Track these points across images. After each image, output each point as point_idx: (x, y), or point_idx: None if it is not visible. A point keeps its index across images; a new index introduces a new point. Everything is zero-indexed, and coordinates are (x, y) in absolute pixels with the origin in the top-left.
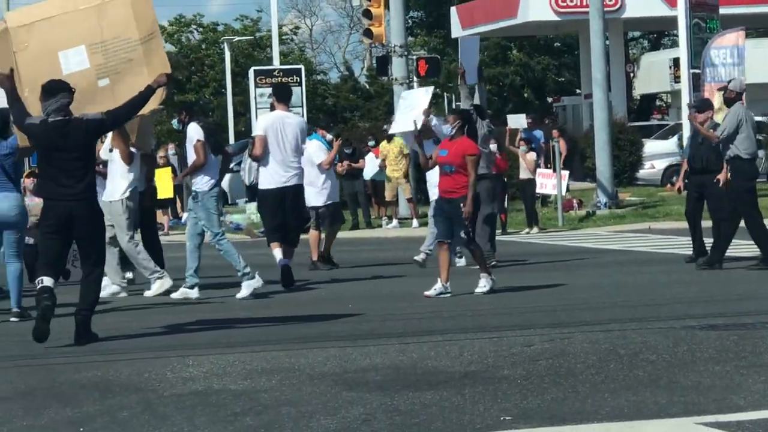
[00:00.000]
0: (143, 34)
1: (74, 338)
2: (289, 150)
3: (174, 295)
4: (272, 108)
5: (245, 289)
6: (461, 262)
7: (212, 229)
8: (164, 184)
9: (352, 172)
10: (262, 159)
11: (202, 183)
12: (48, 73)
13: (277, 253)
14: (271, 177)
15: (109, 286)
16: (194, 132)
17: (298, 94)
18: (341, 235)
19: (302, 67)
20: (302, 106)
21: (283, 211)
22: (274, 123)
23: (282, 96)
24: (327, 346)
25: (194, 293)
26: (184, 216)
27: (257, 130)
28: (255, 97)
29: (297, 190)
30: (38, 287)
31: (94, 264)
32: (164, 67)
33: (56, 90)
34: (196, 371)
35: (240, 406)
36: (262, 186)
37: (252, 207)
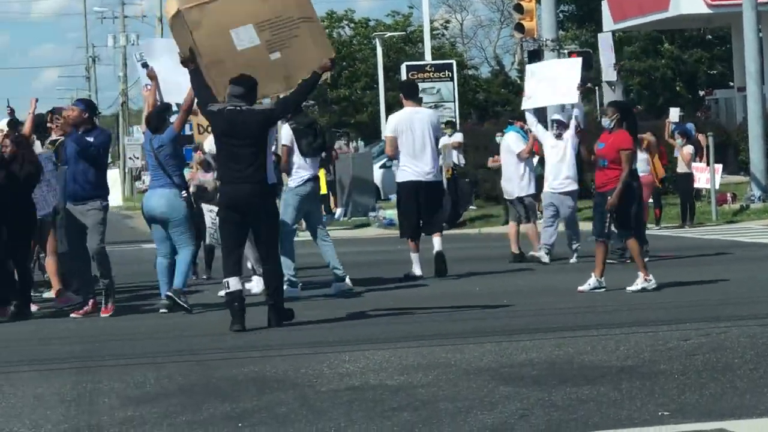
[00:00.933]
0: (302, 15)
1: (267, 322)
2: (419, 145)
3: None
4: (401, 105)
5: (335, 288)
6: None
7: (284, 225)
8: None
9: None
10: (394, 158)
11: (291, 178)
12: (223, 50)
13: (414, 251)
14: (405, 171)
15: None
16: (284, 135)
17: (450, 89)
18: (498, 229)
19: (454, 61)
20: (454, 101)
21: (418, 205)
22: (401, 121)
23: (409, 92)
24: (483, 341)
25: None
26: (338, 211)
27: (387, 130)
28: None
29: (433, 187)
30: (226, 292)
31: (269, 248)
32: (327, 52)
33: (239, 83)
34: (353, 367)
35: (397, 401)
36: (398, 179)
37: None
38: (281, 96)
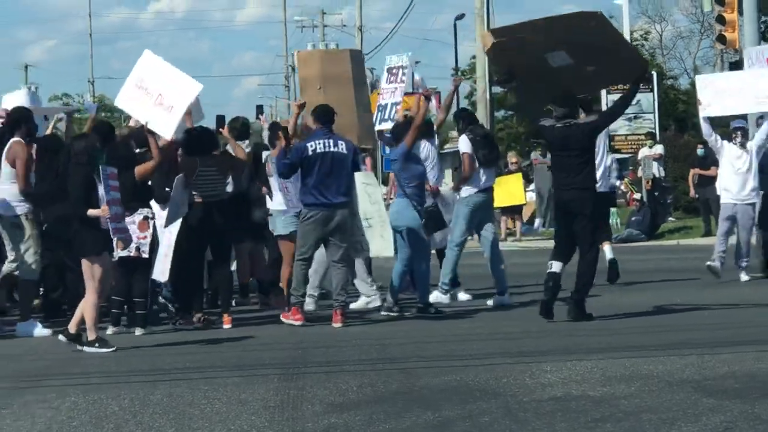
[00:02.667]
0: (607, 40)
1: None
2: None
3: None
4: None
5: (432, 296)
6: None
7: (453, 233)
8: (514, 189)
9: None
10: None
11: (465, 188)
12: (538, 67)
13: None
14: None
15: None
16: (463, 144)
17: (650, 100)
18: (697, 241)
19: (654, 73)
20: (653, 112)
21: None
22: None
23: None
24: (685, 353)
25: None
26: (537, 222)
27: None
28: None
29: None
30: (548, 272)
31: (589, 245)
32: (641, 64)
33: (563, 104)
34: (554, 377)
35: (600, 412)
36: None
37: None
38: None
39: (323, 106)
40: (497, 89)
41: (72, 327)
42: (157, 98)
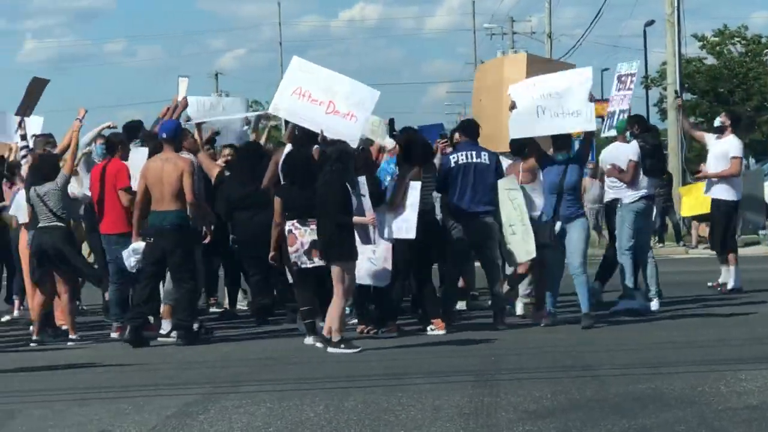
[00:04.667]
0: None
1: None
2: None
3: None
4: None
5: (622, 304)
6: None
7: (621, 240)
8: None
9: None
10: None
11: (628, 195)
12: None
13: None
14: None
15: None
16: (632, 151)
17: None
18: None
19: None
20: None
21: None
22: None
23: None
24: None
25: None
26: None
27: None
28: None
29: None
30: None
31: None
32: None
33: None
34: (750, 385)
35: None
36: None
37: None
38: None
39: (468, 120)
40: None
41: (326, 331)
42: (328, 106)
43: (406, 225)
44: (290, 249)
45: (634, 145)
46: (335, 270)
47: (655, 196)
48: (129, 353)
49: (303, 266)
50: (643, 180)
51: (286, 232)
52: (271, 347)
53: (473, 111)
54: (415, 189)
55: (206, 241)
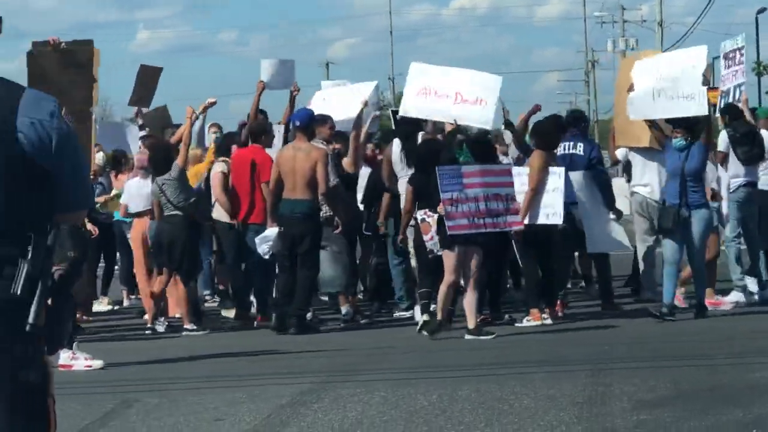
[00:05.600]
0: None
1: None
2: None
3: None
4: None
5: (732, 296)
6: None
7: (727, 229)
8: None
9: None
10: None
11: (733, 184)
12: None
13: None
14: None
15: None
16: (721, 141)
17: None
18: None
19: None
20: None
21: None
22: None
23: None
24: None
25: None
26: None
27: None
28: None
29: None
30: None
31: None
32: None
33: None
34: None
35: None
36: None
37: None
38: None
39: (573, 110)
40: None
41: (470, 323)
42: (456, 97)
43: (550, 211)
44: (425, 237)
45: (723, 136)
46: (475, 259)
47: (755, 184)
48: (243, 342)
49: (439, 253)
50: (740, 168)
51: (419, 221)
52: (384, 336)
53: (614, 102)
54: (555, 174)
55: (337, 231)
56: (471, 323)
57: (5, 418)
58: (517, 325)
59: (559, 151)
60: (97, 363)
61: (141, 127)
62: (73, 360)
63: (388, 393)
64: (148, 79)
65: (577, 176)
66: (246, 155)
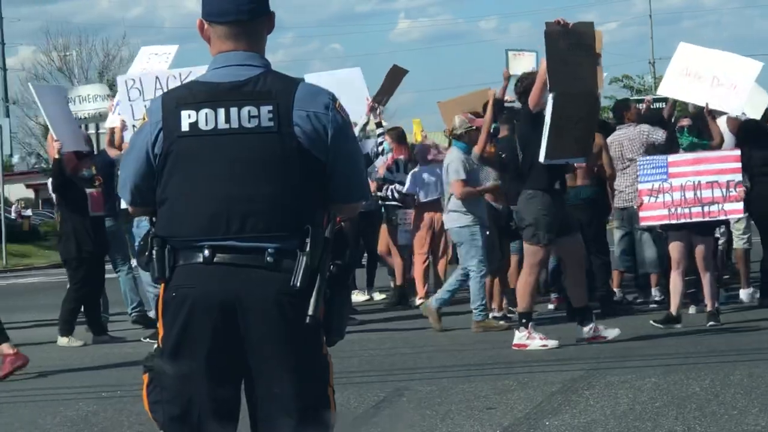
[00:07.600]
0: None
1: None
2: None
3: None
4: None
5: None
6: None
7: None
8: None
9: None
10: None
11: None
12: None
13: None
14: None
15: None
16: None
17: None
18: None
19: None
20: None
21: None
22: None
23: None
24: None
25: None
26: None
27: None
28: None
29: None
30: None
31: None
32: None
33: None
34: None
35: None
36: None
37: None
38: None
39: None
40: None
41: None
42: (713, 81)
43: None
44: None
45: None
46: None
47: None
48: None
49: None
50: None
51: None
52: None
53: None
54: None
55: None
56: (709, 306)
57: (294, 407)
58: None
59: None
60: (552, 342)
61: (378, 125)
62: (529, 339)
63: (660, 379)
64: (395, 79)
65: None
66: None
